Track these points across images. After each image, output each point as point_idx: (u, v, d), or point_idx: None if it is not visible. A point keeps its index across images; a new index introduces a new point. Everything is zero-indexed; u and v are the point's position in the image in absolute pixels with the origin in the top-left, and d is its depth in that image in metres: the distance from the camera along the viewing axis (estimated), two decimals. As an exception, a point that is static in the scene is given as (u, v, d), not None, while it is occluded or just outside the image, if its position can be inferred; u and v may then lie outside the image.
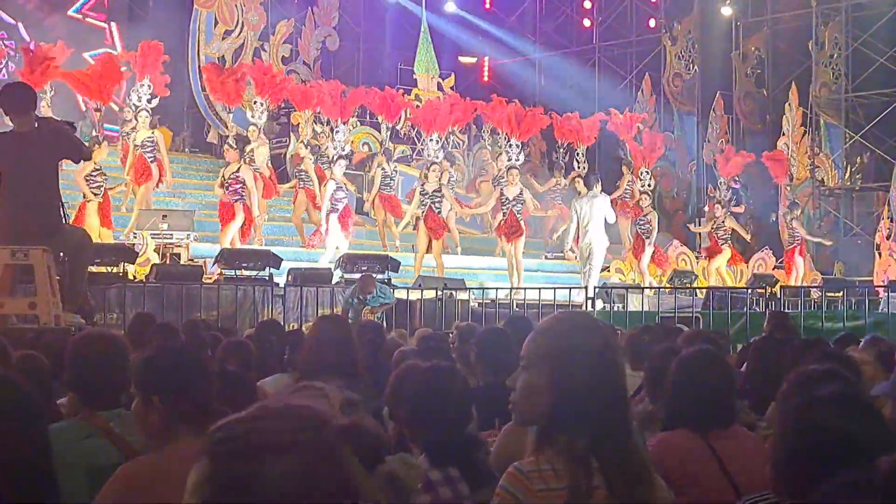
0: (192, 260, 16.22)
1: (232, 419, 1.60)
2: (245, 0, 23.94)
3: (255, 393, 4.24)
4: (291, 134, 22.26)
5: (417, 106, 23.00)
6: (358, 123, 23.47)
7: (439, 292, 15.25)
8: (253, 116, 19.51)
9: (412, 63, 25.73)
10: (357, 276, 14.73)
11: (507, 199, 18.50)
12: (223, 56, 23.58)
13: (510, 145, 20.63)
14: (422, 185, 18.54)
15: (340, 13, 25.90)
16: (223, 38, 23.83)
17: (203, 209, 18.78)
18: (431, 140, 20.87)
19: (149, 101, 18.13)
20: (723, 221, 20.80)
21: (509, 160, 20.08)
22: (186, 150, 24.23)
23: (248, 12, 23.99)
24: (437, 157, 20.31)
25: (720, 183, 23.12)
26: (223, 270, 15.11)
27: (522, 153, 21.03)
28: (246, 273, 15.13)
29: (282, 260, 15.51)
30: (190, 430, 3.08)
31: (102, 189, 16.73)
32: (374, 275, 14.36)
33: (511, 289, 16.31)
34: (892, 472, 2.12)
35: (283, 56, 24.65)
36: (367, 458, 2.83)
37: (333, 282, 15.37)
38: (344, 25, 26.05)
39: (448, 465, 3.51)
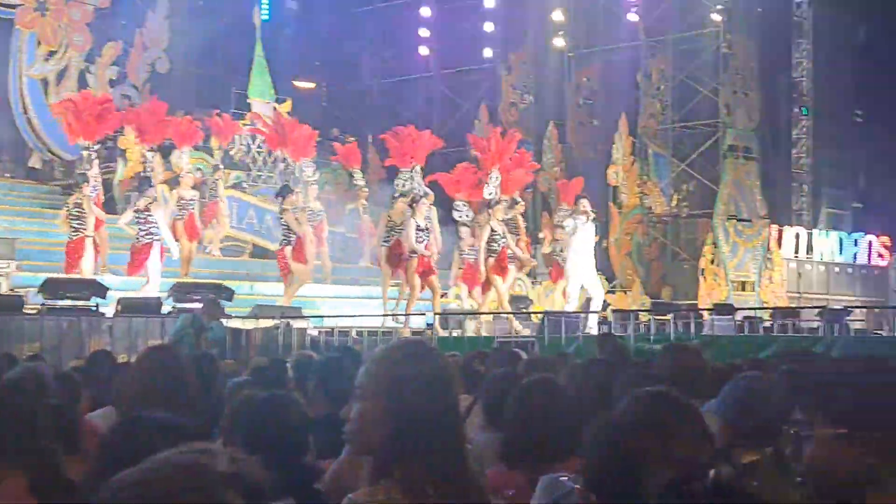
0: (13, 290, 15.57)
1: (124, 473, 1.63)
2: (69, 20, 23.16)
3: (82, 426, 4.07)
4: (119, 159, 21.65)
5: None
6: (190, 148, 23.00)
7: (276, 321, 15.02)
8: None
9: (246, 87, 25.40)
10: (190, 305, 14.37)
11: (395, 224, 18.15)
12: (45, 78, 22.80)
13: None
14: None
15: (171, 35, 25.36)
16: (46, 60, 23.01)
17: (26, 237, 18.10)
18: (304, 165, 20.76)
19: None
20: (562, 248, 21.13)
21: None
22: (7, 175, 23.27)
23: (73, 33, 23.17)
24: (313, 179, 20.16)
25: (559, 208, 23.47)
26: (45, 301, 14.48)
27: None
28: (71, 303, 14.55)
29: (107, 289, 14.97)
30: (12, 467, 2.92)
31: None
32: (219, 300, 13.71)
33: (350, 317, 16.21)
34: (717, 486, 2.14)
35: (110, 78, 23.95)
36: (251, 501, 2.73)
37: (164, 311, 14.97)
38: (175, 47, 25.51)
39: (285, 496, 3.43)
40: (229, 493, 1.63)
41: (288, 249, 17.06)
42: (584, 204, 17.94)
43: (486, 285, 18.00)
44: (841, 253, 28.65)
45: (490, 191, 19.14)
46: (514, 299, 19.68)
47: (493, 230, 17.72)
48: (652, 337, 14.89)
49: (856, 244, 29.20)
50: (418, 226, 17.37)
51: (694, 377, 5.06)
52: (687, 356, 5.32)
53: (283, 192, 17.71)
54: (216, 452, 1.70)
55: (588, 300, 17.69)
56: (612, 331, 15.71)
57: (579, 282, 17.65)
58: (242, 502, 1.65)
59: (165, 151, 21.11)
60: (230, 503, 1.63)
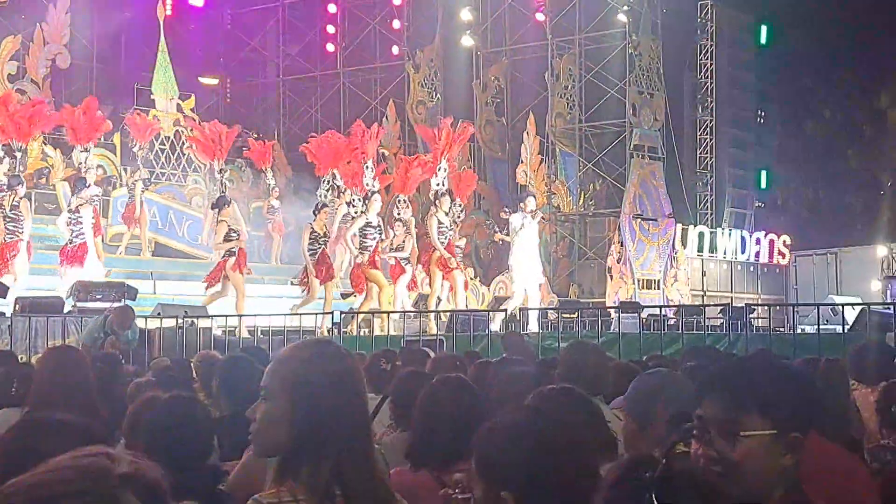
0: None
1: (20, 477, 1.59)
2: (-34, 14, 22.56)
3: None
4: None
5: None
6: (92, 145, 22.53)
7: (180, 320, 14.77)
8: None
9: (149, 83, 24.96)
10: (92, 305, 14.07)
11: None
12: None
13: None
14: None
15: (72, 30, 24.79)
16: (-60, 54, 22.37)
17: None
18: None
19: None
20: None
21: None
22: None
23: (-31, 27, 22.62)
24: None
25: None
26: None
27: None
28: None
29: (8, 288, 14.62)
30: None
31: None
32: (130, 307, 13.28)
33: (254, 316, 15.99)
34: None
35: (9, 73, 23.34)
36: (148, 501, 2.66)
37: (65, 311, 14.64)
38: (76, 43, 24.95)
39: (188, 498, 3.39)
40: (127, 495, 1.59)
41: (231, 260, 16.80)
42: (530, 202, 18.04)
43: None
44: (743, 251, 29.20)
45: (438, 181, 19.05)
46: (423, 297, 19.63)
47: (440, 222, 17.70)
48: (559, 335, 14.95)
49: (758, 243, 29.78)
50: (440, 221, 17.28)
51: (596, 374, 5.13)
52: (588, 354, 5.37)
53: (220, 204, 17.42)
54: (115, 455, 1.66)
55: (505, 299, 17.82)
56: (521, 329, 15.77)
57: (523, 279, 17.74)
58: None
59: (67, 148, 20.67)
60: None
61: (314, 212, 18.02)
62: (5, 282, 15.77)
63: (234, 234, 16.94)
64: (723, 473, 2.32)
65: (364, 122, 22.57)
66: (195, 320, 15.26)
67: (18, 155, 18.54)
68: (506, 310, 16.94)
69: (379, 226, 17.99)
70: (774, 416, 2.35)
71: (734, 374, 2.47)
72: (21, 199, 16.82)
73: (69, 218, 17.24)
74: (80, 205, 17.22)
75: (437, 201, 18.12)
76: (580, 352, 5.44)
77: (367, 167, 19.31)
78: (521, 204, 18.38)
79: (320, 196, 19.59)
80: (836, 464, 3.45)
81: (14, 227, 16.60)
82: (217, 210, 17.34)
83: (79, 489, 1.57)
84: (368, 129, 20.09)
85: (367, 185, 19.09)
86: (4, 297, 14.42)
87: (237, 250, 16.91)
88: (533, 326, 16.64)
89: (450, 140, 19.48)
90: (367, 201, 18.21)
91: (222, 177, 20.90)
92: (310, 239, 17.63)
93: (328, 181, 20.50)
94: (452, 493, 2.59)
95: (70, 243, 17.08)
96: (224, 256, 16.90)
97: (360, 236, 17.64)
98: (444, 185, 19.03)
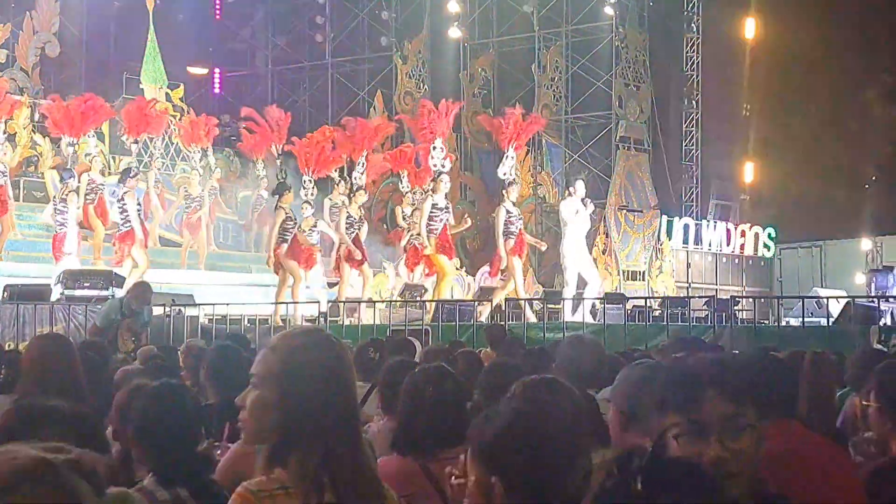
0: None
1: None
2: (-45, 3, 22.53)
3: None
4: (7, 144, 21.03)
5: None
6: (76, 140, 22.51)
7: (167, 308, 14.81)
8: None
9: (138, 72, 24.93)
10: (80, 293, 14.12)
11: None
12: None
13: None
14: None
15: (62, 18, 24.76)
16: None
17: None
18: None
19: None
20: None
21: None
22: None
23: (-42, 16, 22.59)
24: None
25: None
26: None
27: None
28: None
29: (123, 278, 14.78)
30: None
31: None
32: (148, 283, 13.02)
33: (242, 304, 16.06)
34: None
35: (-1, 62, 23.35)
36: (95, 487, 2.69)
37: (53, 298, 14.69)
38: (65, 31, 24.92)
39: (177, 486, 3.42)
40: (76, 478, 1.68)
41: (284, 247, 16.74)
42: (580, 186, 17.94)
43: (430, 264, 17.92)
44: (728, 244, 29.30)
45: (435, 163, 18.90)
46: (409, 287, 19.68)
47: (435, 205, 17.54)
48: (544, 325, 15.02)
49: (742, 235, 29.90)
50: (435, 204, 17.07)
51: (593, 369, 5.18)
52: (586, 348, 5.41)
53: (280, 190, 17.28)
54: (59, 446, 1.73)
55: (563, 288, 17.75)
56: (506, 319, 15.87)
57: (577, 267, 17.70)
58: (87, 487, 1.69)
59: (54, 137, 20.64)
60: (74, 489, 1.67)
61: (274, 193, 17.79)
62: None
63: (291, 222, 16.89)
64: (734, 473, 2.37)
65: (351, 112, 22.60)
66: (182, 308, 15.33)
67: (71, 150, 18.75)
68: (492, 300, 17.03)
69: (446, 207, 17.68)
70: (766, 407, 2.40)
71: (735, 371, 2.51)
72: (70, 192, 17.40)
73: (55, 208, 17.35)
74: (67, 193, 17.30)
75: (434, 183, 17.91)
76: (578, 346, 5.46)
77: (434, 147, 19.00)
78: (571, 189, 18.14)
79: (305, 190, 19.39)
80: (820, 454, 3.49)
81: (63, 219, 17.19)
82: (278, 196, 17.25)
83: (24, 477, 1.64)
84: (437, 108, 19.58)
85: (436, 165, 18.78)
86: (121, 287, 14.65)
87: (291, 237, 16.85)
88: (588, 317, 16.55)
89: (518, 129, 19.06)
90: (434, 182, 17.87)
91: (281, 163, 20.72)
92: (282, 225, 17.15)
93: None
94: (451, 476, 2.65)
95: (57, 231, 17.26)
96: (278, 244, 16.86)
97: (427, 218, 17.30)
98: (440, 166, 18.75)
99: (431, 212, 17.33)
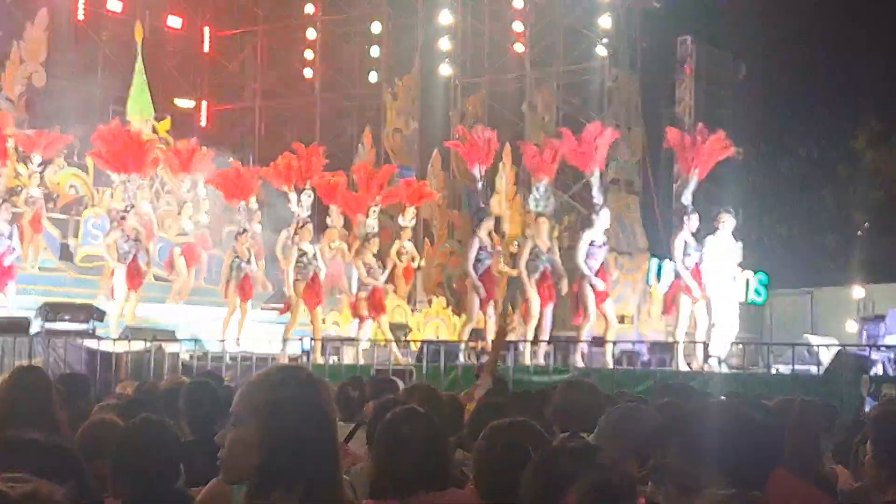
0: None
1: None
2: (-59, 32, 22.39)
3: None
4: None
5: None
6: (65, 164, 22.33)
7: (148, 344, 14.58)
8: None
9: (124, 103, 24.79)
10: (58, 326, 13.95)
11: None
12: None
13: None
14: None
15: (49, 49, 24.63)
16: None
17: None
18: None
19: None
20: None
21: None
22: None
23: (-54, 44, 22.46)
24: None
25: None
26: None
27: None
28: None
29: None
30: None
31: None
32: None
33: (222, 341, 15.79)
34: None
35: (-15, 91, 23.21)
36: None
37: (32, 331, 14.52)
38: (53, 61, 24.79)
39: None
40: None
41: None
42: (728, 220, 17.53)
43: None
44: (718, 288, 29.07)
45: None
46: (394, 326, 19.43)
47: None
48: (531, 367, 14.82)
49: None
50: (482, 245, 16.55)
51: (588, 413, 5.16)
52: (583, 393, 5.49)
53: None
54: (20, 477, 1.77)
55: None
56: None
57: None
58: None
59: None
60: None
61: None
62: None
63: (305, 258, 16.49)
64: None
65: (339, 149, 22.42)
66: (163, 344, 15.09)
67: (129, 185, 18.79)
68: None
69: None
70: (735, 475, 2.20)
71: (697, 425, 2.32)
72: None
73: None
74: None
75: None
76: (576, 391, 5.54)
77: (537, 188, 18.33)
78: (719, 222, 17.04)
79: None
80: (807, 501, 3.57)
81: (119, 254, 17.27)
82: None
83: None
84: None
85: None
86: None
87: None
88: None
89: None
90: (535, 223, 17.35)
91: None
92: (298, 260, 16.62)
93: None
94: None
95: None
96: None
97: (476, 259, 16.47)
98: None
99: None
